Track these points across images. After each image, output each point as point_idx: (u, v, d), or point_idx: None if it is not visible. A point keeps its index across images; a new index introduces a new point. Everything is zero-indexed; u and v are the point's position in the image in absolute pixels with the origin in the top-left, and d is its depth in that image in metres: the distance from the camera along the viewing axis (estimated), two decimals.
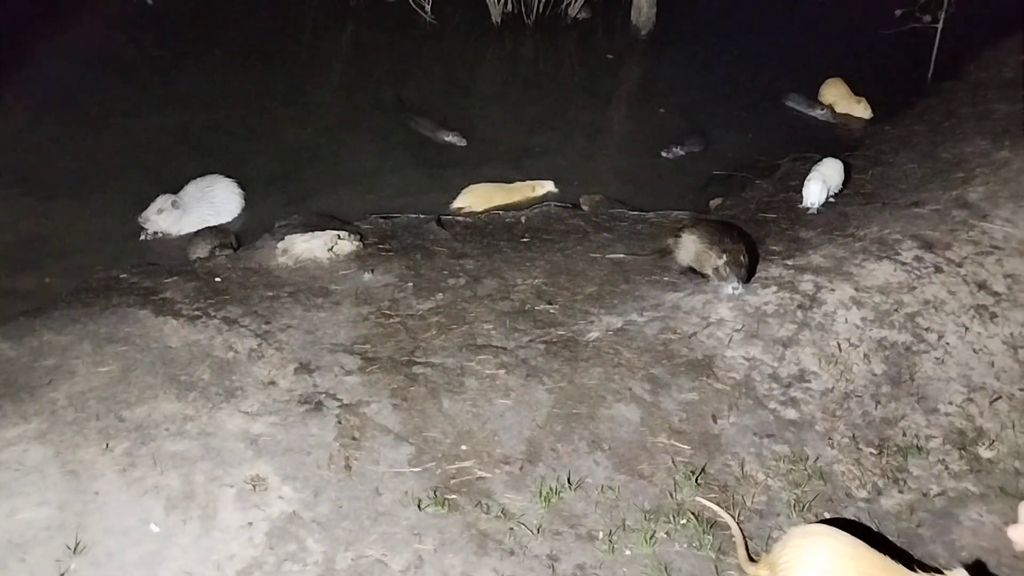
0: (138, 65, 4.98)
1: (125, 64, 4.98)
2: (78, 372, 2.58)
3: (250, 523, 2.16)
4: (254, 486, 2.25)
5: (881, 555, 1.80)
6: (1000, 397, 2.55)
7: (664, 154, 4.19)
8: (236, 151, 4.17)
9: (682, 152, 4.19)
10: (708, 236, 2.99)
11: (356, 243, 3.32)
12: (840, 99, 4.66)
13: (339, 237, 3.31)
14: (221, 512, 2.18)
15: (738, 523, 2.10)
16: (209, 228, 3.63)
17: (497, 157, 4.20)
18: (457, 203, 3.80)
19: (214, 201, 3.76)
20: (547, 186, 3.90)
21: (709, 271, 2.94)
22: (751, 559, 1.98)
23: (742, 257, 2.89)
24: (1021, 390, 2.57)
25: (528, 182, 3.90)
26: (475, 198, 3.81)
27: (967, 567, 1.83)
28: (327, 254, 3.26)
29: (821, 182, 3.50)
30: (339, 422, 2.45)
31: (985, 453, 2.38)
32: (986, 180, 3.41)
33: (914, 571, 1.78)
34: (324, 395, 2.55)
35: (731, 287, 2.87)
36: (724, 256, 2.89)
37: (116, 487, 2.23)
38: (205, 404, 2.51)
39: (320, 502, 2.22)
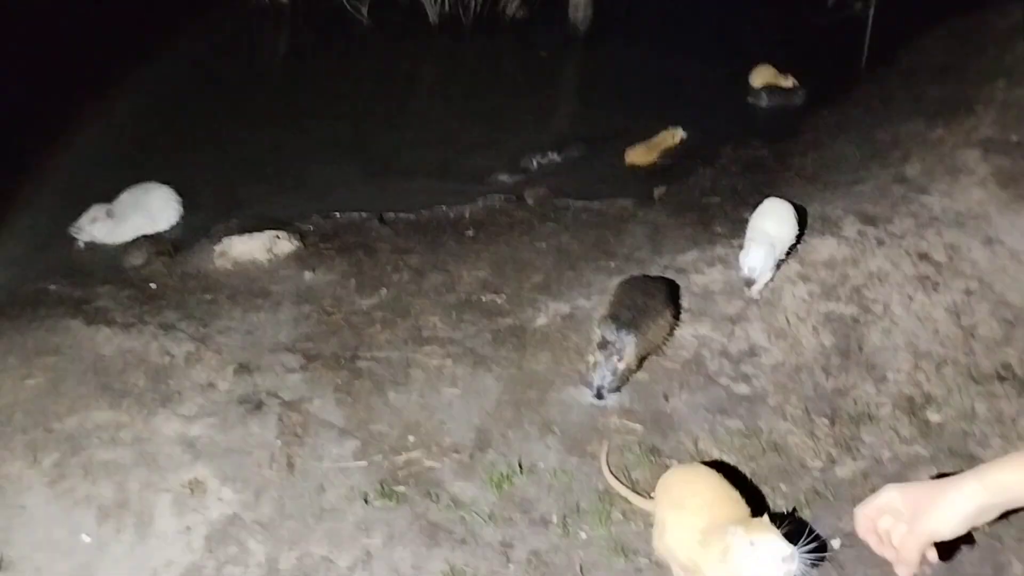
0: (64, 73, 4.82)
1: (50, 71, 4.82)
2: (3, 386, 2.46)
3: (188, 528, 2.06)
4: (192, 490, 2.15)
5: (731, 491, 1.85)
6: (946, 363, 2.56)
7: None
8: (171, 158, 4.06)
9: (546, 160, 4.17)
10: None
11: (296, 243, 3.24)
12: (769, 79, 4.72)
13: (278, 237, 3.22)
14: (157, 519, 2.08)
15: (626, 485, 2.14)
16: (145, 236, 3.51)
17: (431, 155, 4.15)
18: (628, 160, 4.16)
19: (150, 209, 3.65)
20: (680, 133, 4.24)
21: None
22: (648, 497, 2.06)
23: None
24: (965, 355, 2.58)
25: (668, 130, 4.23)
26: (638, 156, 4.17)
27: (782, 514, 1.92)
28: (266, 255, 3.17)
29: (768, 246, 2.65)
30: (281, 420, 2.36)
31: (933, 417, 2.38)
32: (923, 157, 3.45)
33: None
34: (265, 394, 2.46)
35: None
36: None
37: (44, 500, 2.11)
38: (140, 410, 2.40)
39: (262, 502, 2.12)
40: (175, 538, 2.03)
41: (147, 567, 1.96)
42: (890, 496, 1.49)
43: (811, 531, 1.76)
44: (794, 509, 2.08)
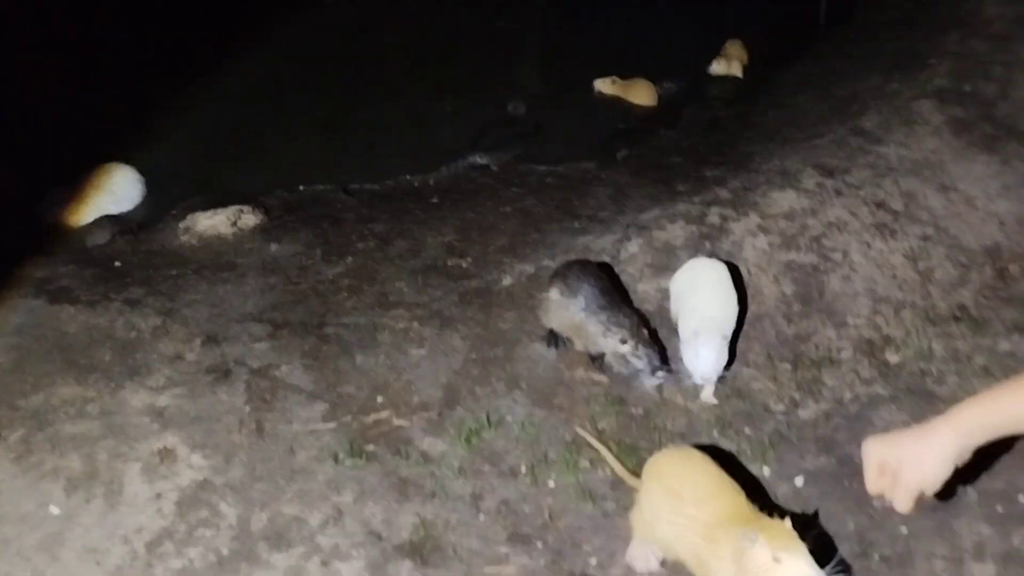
0: (17, 53, 4.74)
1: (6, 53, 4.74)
2: None
3: (158, 495, 2.06)
4: (161, 458, 2.15)
5: (729, 479, 1.73)
6: (904, 307, 2.61)
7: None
8: (134, 137, 4.01)
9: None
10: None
11: (260, 216, 3.23)
12: (736, 55, 4.74)
13: (242, 212, 3.21)
14: (127, 487, 2.08)
15: (608, 447, 2.11)
16: (108, 216, 3.48)
17: (395, 126, 4.14)
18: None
19: (112, 189, 3.62)
20: (653, 89, 4.38)
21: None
22: (634, 473, 1.98)
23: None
24: (922, 298, 2.63)
25: (641, 81, 4.37)
26: (606, 85, 4.37)
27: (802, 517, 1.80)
28: (231, 229, 3.16)
29: (719, 338, 2.21)
30: (249, 387, 2.37)
31: (892, 358, 2.43)
32: (880, 110, 3.49)
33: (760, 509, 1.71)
34: (233, 363, 2.46)
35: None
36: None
37: (11, 475, 2.11)
38: (107, 384, 2.39)
39: (232, 467, 2.14)
40: (145, 505, 2.04)
41: (117, 534, 1.97)
42: (878, 451, 1.61)
43: (833, 548, 1.72)
44: (816, 512, 1.97)
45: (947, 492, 1.85)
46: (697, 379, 2.24)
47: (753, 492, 1.75)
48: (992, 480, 2.02)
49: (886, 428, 2.20)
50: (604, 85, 4.34)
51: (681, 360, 2.27)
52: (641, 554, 1.86)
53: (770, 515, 1.64)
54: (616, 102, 4.34)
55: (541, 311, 2.46)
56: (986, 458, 1.63)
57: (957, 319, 2.56)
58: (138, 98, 4.31)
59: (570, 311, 2.36)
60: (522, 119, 4.24)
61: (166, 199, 3.61)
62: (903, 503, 1.60)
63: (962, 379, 2.35)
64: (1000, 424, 1.50)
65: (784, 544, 1.50)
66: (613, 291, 2.41)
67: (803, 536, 1.54)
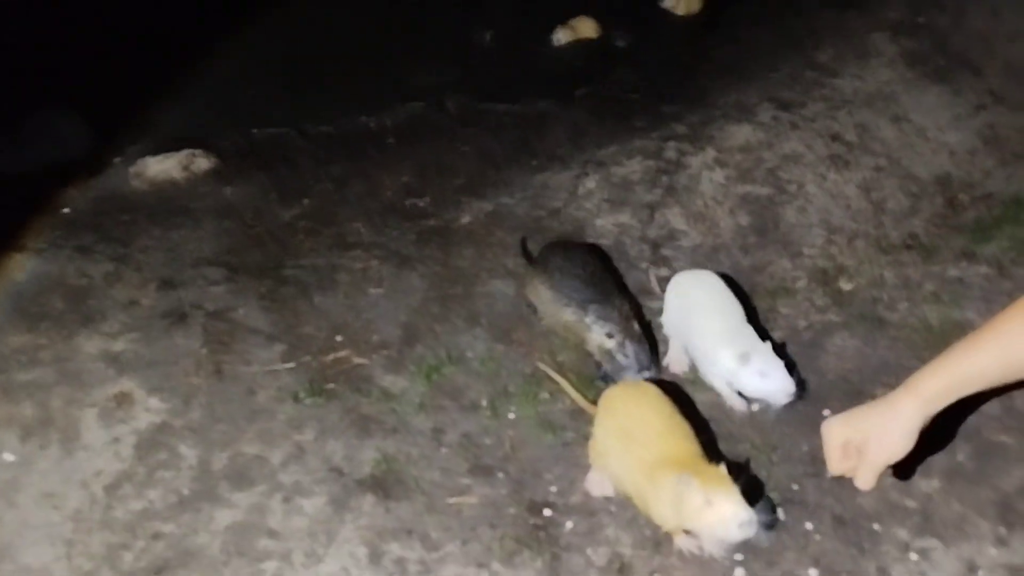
0: None
1: None
2: None
3: (116, 439, 2.05)
4: (118, 403, 2.13)
5: (679, 419, 1.75)
6: (857, 236, 2.65)
7: None
8: (79, 81, 3.88)
9: None
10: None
11: (214, 160, 3.16)
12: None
13: (194, 155, 3.14)
14: (84, 432, 2.06)
15: (568, 380, 2.12)
16: (55, 163, 3.38)
17: (351, 68, 4.05)
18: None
19: (58, 135, 3.52)
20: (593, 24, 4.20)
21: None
22: (593, 403, 2.00)
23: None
24: (875, 227, 2.67)
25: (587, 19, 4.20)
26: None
27: (738, 465, 1.81)
28: (183, 173, 3.09)
29: (769, 349, 2.00)
30: (206, 330, 2.34)
31: (846, 286, 2.47)
32: (835, 43, 3.50)
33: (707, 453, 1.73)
34: (189, 307, 2.43)
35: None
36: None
37: None
38: (60, 332, 2.35)
39: (191, 409, 2.12)
40: (103, 449, 2.02)
41: (75, 479, 1.96)
42: (840, 432, 1.61)
43: (766, 495, 1.73)
44: (748, 460, 1.94)
45: (907, 471, 1.90)
46: (782, 400, 1.99)
47: (703, 430, 1.78)
48: None
49: (839, 354, 2.26)
50: (562, 33, 4.21)
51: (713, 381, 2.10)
52: (598, 482, 1.89)
53: (713, 460, 1.68)
54: (575, 43, 4.26)
55: (528, 290, 2.34)
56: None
57: (908, 247, 2.61)
58: (81, 40, 4.18)
59: (556, 305, 2.22)
60: (482, 54, 4.17)
61: (115, 143, 3.51)
62: (867, 480, 1.60)
63: (912, 305, 2.40)
64: (959, 386, 1.52)
65: (716, 487, 1.57)
66: (601, 277, 2.25)
67: (736, 479, 1.60)
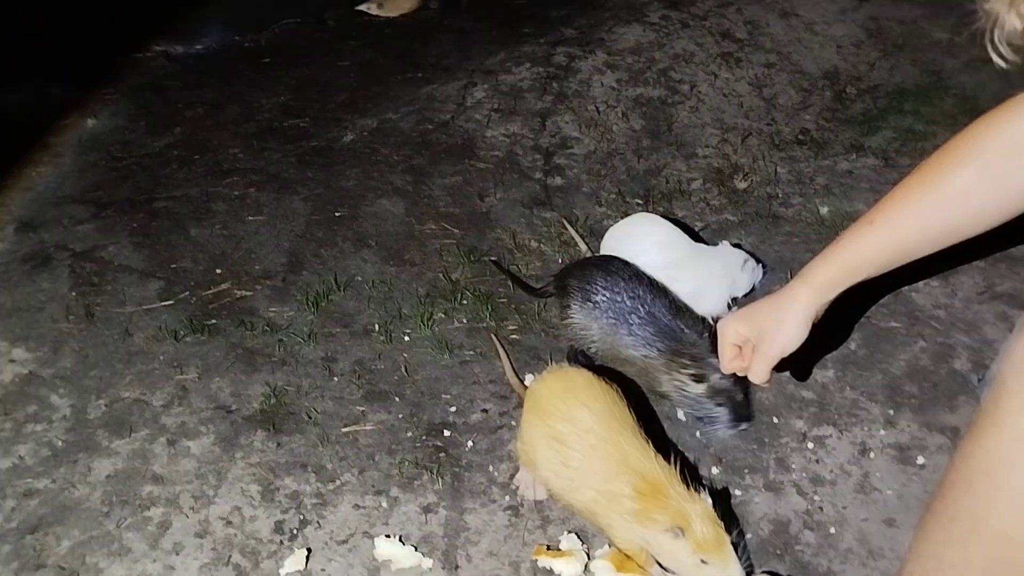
0: None
1: None
2: None
3: None
4: None
5: (619, 409, 1.55)
6: (750, 134, 2.62)
7: None
8: None
9: None
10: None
11: (72, 89, 2.91)
12: None
13: (49, 85, 2.89)
14: None
15: (506, 351, 1.95)
16: None
17: None
18: None
19: None
20: None
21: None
22: (521, 382, 1.87)
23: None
24: (768, 124, 2.65)
25: None
26: None
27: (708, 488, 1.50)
28: (38, 104, 2.84)
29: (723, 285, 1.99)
30: (73, 271, 2.18)
31: (740, 185, 2.46)
32: None
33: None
34: (53, 248, 2.26)
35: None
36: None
37: None
38: None
39: (61, 356, 1.98)
40: None
41: None
42: (736, 328, 1.57)
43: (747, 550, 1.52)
44: (725, 488, 1.71)
45: (803, 372, 1.90)
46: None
47: (640, 405, 1.67)
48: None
49: None
50: None
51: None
52: (528, 481, 1.67)
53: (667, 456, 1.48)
54: None
55: (565, 332, 1.95)
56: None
57: (800, 142, 2.60)
58: None
59: (611, 340, 1.83)
60: None
61: None
62: (761, 373, 1.57)
63: (805, 199, 2.40)
64: (850, 273, 1.51)
65: (716, 552, 1.38)
66: (657, 296, 1.83)
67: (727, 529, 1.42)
